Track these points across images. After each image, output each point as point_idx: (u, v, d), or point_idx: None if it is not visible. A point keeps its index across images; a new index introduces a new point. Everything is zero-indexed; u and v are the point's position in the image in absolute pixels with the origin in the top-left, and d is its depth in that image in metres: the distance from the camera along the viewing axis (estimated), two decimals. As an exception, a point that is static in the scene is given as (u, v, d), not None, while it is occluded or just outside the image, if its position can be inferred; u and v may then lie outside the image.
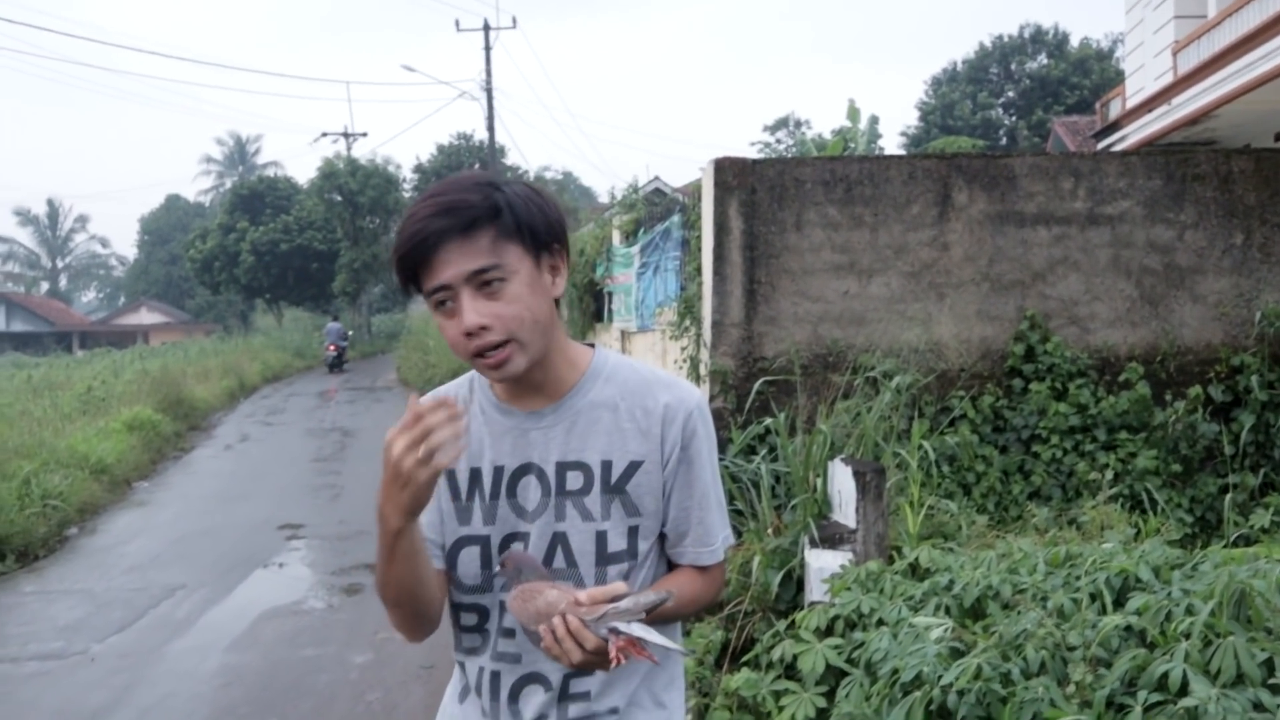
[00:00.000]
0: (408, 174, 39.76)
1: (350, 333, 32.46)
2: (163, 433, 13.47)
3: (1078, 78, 34.00)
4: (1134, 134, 11.38)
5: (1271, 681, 2.56)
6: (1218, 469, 6.48)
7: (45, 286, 65.92)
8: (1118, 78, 28.30)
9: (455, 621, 1.67)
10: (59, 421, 12.47)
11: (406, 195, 39.16)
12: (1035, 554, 3.98)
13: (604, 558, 1.57)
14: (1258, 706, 2.47)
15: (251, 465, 12.08)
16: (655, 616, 1.45)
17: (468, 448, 1.57)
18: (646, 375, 1.63)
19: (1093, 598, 3.34)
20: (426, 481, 1.34)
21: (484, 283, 1.45)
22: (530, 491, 1.57)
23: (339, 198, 36.03)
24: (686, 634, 4.54)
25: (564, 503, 1.56)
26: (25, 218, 65.69)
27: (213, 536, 8.22)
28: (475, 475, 1.60)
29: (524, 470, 1.58)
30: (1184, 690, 2.56)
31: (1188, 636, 2.77)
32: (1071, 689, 2.76)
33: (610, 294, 12.69)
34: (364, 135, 43.42)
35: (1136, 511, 5.73)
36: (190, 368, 20.93)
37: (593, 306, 14.08)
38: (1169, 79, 10.84)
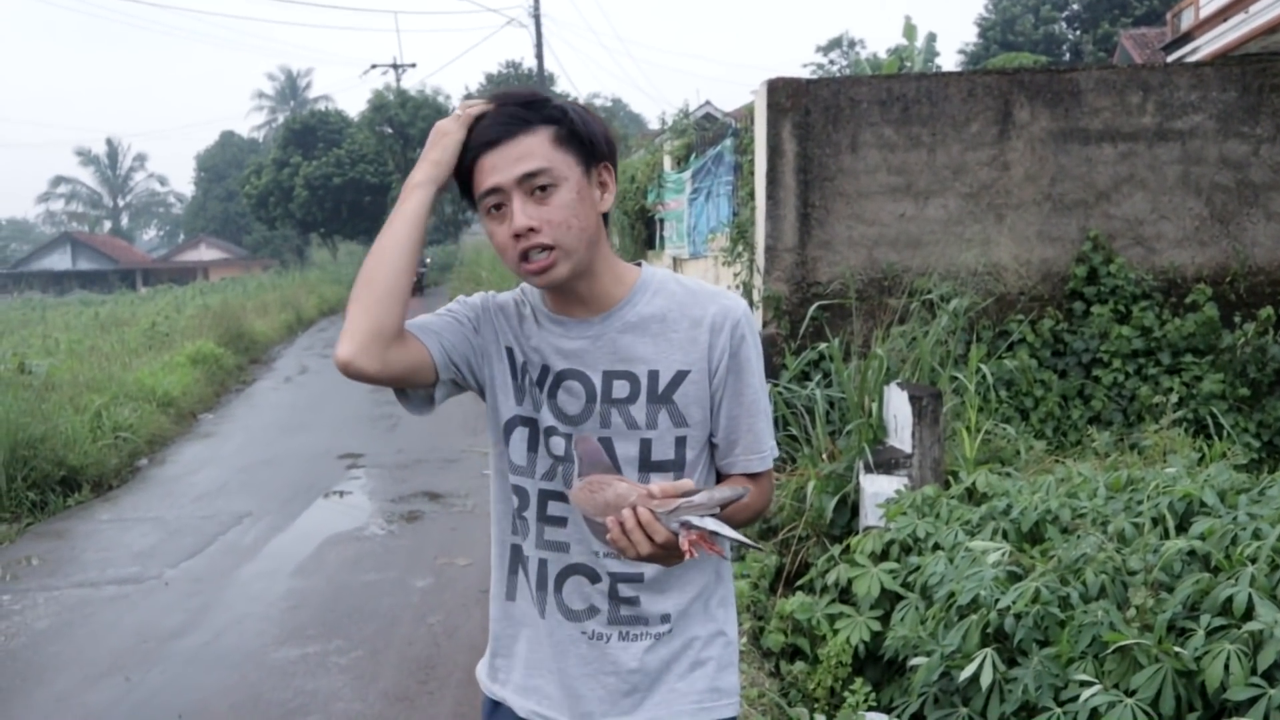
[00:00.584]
0: (457, 104, 39.53)
1: (429, 259, 32.96)
2: (225, 366, 13.75)
3: (1147, -13, 32.52)
4: (1207, 45, 10.89)
5: (1341, 605, 2.51)
6: (1288, 392, 6.31)
7: (108, 225, 67.23)
8: (1189, -14, 27.04)
9: (509, 503, 1.68)
10: (126, 356, 12.78)
11: (457, 126, 39.01)
12: (1095, 478, 3.92)
13: (648, 464, 1.58)
14: (1326, 630, 2.42)
15: (311, 396, 12.31)
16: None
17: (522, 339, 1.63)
18: (693, 287, 1.64)
19: (1155, 522, 3.29)
20: (456, 139, 1.50)
21: (535, 187, 1.49)
22: (572, 397, 1.59)
23: (389, 130, 36.10)
24: (740, 559, 4.56)
25: (609, 410, 1.57)
26: (86, 158, 66.83)
27: (275, 466, 8.42)
28: (527, 365, 1.63)
29: (568, 375, 1.60)
30: (1249, 615, 2.52)
31: (1254, 561, 2.71)
32: (1132, 613, 2.73)
33: (662, 220, 12.59)
34: (413, 66, 43.39)
35: (1201, 436, 5.61)
36: (249, 302, 21.30)
37: (644, 233, 14.00)
38: (1245, -16, 10.33)
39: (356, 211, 41.87)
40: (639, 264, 1.67)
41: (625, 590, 1.61)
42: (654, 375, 1.58)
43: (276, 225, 44.76)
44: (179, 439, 9.86)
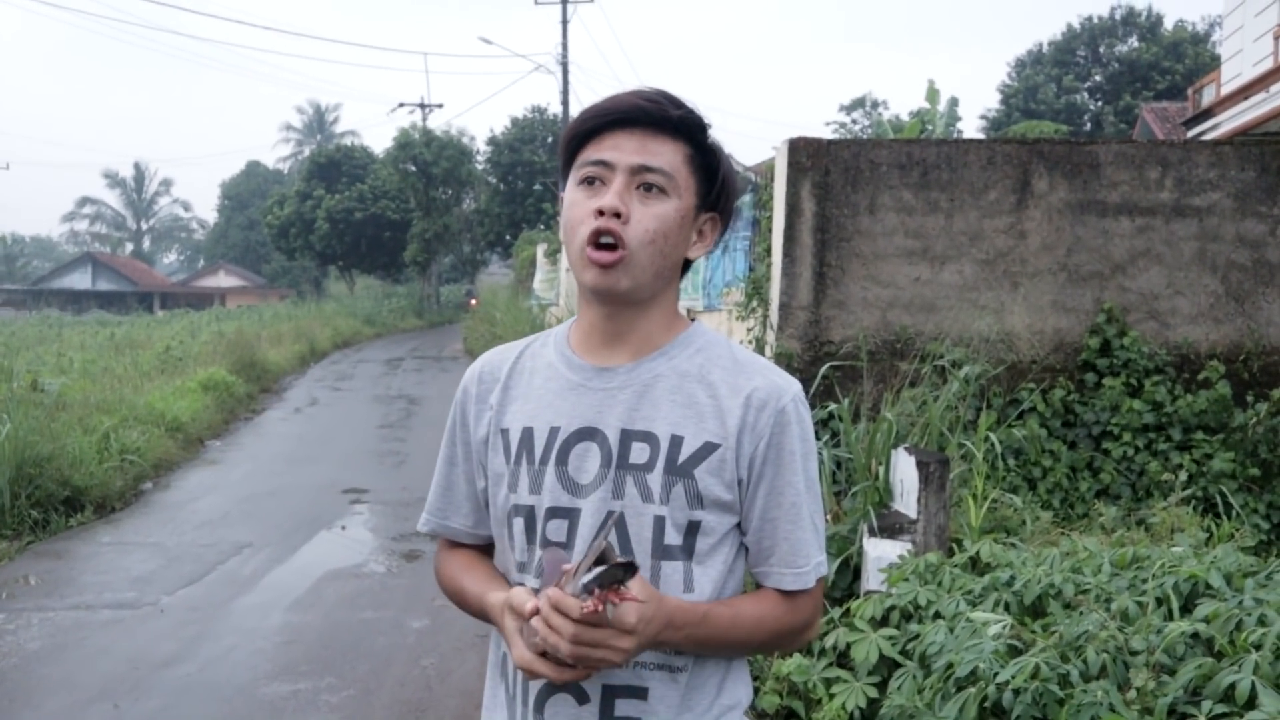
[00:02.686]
0: (481, 146, 40.02)
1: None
2: (236, 394, 13.81)
3: (1170, 62, 32.84)
4: (1227, 122, 10.97)
5: (1346, 699, 2.47)
6: (1299, 474, 6.25)
7: (130, 247, 67.94)
8: (1213, 63, 27.28)
9: None
10: (138, 379, 12.86)
11: (479, 167, 39.45)
12: (1101, 554, 3.88)
13: (660, 549, 1.36)
14: (1330, 723, 2.38)
15: (319, 429, 12.34)
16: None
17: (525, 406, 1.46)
18: (742, 356, 1.44)
19: (1159, 602, 3.25)
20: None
21: (645, 184, 1.36)
22: (587, 462, 1.38)
23: (413, 168, 36.46)
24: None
25: (624, 477, 1.36)
26: (113, 180, 67.72)
27: (280, 497, 8.41)
28: (527, 436, 1.42)
29: (582, 435, 1.39)
30: (1251, 703, 2.48)
31: (1258, 648, 2.68)
32: (1132, 694, 2.69)
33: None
34: (439, 106, 44.01)
35: (1209, 515, 5.56)
36: (264, 331, 21.42)
37: (660, 284, 14.05)
38: (1269, 64, 10.44)
39: (376, 246, 42.23)
40: (693, 319, 1.51)
41: (623, 709, 1.35)
42: (676, 441, 1.36)
43: (296, 256, 45.16)
44: (185, 465, 9.88)
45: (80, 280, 51.55)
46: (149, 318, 34.95)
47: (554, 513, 1.38)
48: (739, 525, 1.42)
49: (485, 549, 1.56)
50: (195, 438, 10.94)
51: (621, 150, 1.35)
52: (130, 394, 11.15)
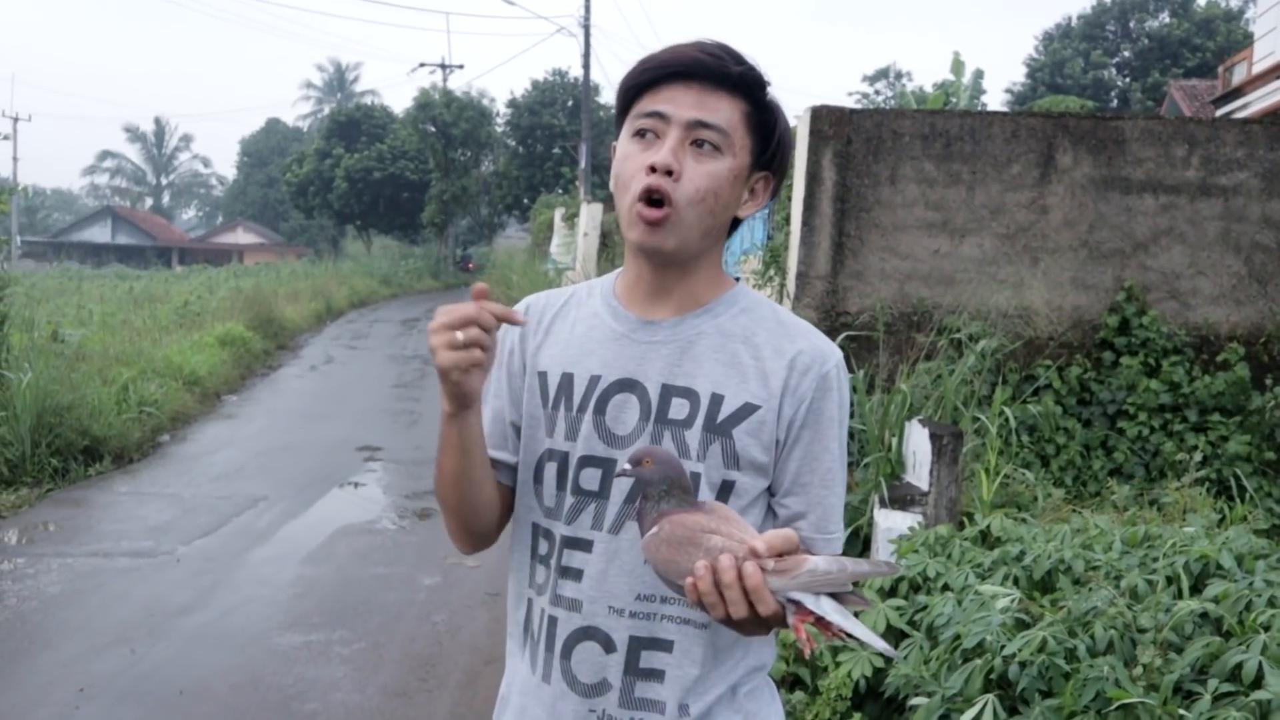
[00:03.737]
0: (501, 108, 39.87)
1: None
2: (252, 349, 13.88)
3: (1201, 39, 32.33)
4: (1258, 101, 10.82)
5: (1352, 681, 2.47)
6: (1315, 459, 6.23)
7: (149, 202, 68.15)
8: (1245, 41, 26.83)
9: (531, 549, 1.46)
10: (157, 332, 12.94)
11: (499, 130, 39.30)
12: (1112, 531, 3.89)
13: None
14: (1335, 705, 2.39)
15: (334, 386, 12.40)
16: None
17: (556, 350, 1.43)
18: (787, 319, 1.42)
19: (1169, 581, 3.26)
20: (458, 380, 1.24)
21: (701, 140, 1.32)
22: (626, 413, 1.36)
23: (432, 129, 36.35)
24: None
25: (662, 432, 1.34)
26: (134, 134, 67.86)
27: (294, 453, 8.48)
28: (566, 381, 1.40)
29: (623, 386, 1.37)
30: (1258, 683, 2.49)
31: (1267, 629, 2.68)
32: (1139, 671, 2.70)
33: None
34: (460, 67, 43.58)
35: (1223, 498, 5.55)
36: (281, 288, 21.49)
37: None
38: (1301, 45, 10.27)
39: (394, 207, 42.22)
40: (736, 279, 1.48)
41: (649, 660, 1.35)
42: (717, 400, 1.35)
43: (314, 214, 45.19)
44: (201, 418, 9.96)
45: (100, 234, 51.79)
46: (167, 272, 35.10)
47: (588, 461, 1.37)
48: (769, 488, 1.39)
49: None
50: (212, 392, 11.03)
51: (678, 104, 1.32)
52: (149, 347, 11.23)
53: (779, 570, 1.11)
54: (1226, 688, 2.53)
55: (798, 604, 1.11)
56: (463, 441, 1.35)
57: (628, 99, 1.38)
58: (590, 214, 19.15)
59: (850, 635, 1.09)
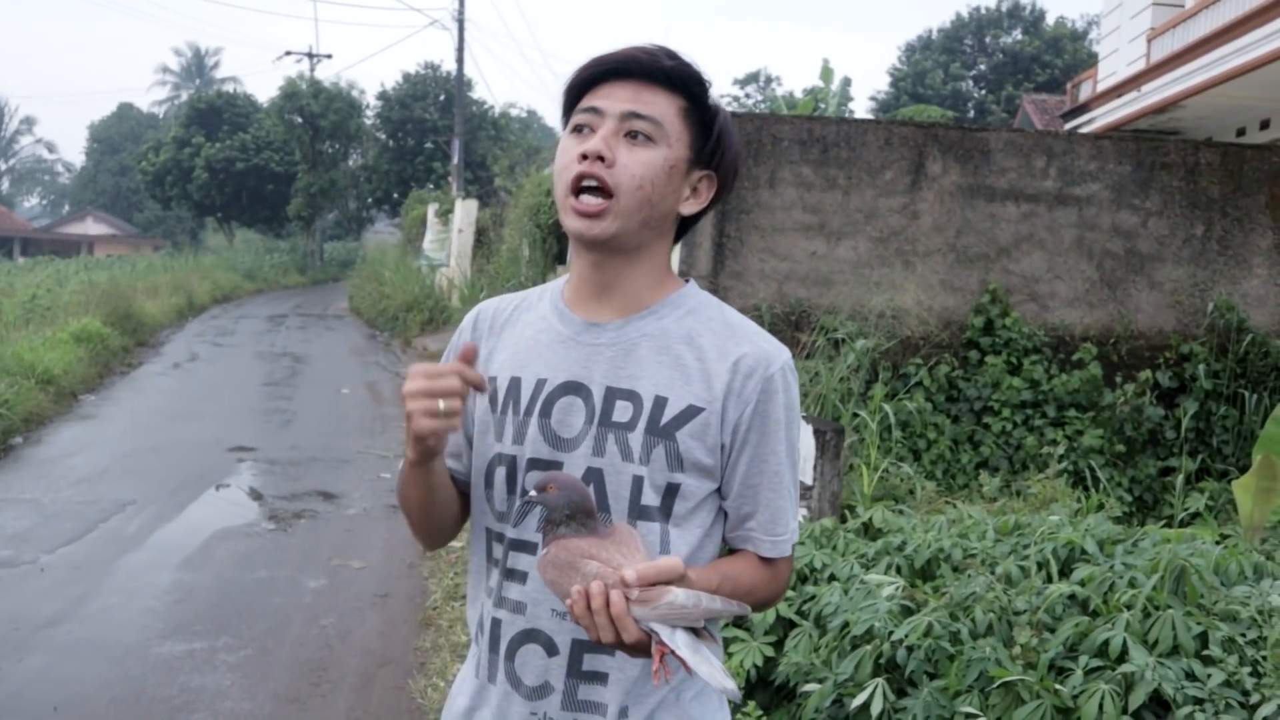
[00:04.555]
0: (371, 100, 38.97)
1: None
2: (110, 347, 13.24)
3: (1050, 56, 34.21)
4: (1102, 117, 11.53)
5: (1204, 653, 2.71)
6: (1158, 452, 6.71)
7: (-14, 188, 63.93)
8: (1090, 60, 28.52)
9: (486, 554, 1.46)
10: (3, 328, 12.20)
11: (369, 123, 38.41)
12: (985, 521, 4.12)
13: (637, 509, 1.35)
14: (1190, 676, 2.62)
15: (201, 385, 11.94)
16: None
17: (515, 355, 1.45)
18: (734, 321, 1.43)
19: (1040, 566, 3.47)
20: (434, 442, 1.30)
21: (633, 131, 1.35)
22: (572, 416, 1.37)
23: (299, 120, 35.28)
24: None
25: (606, 435, 1.35)
26: (-32, 115, 63.47)
27: (162, 454, 8.15)
28: (514, 385, 1.42)
29: (568, 389, 1.39)
30: (1123, 658, 2.70)
31: (1129, 608, 2.90)
32: (1017, 650, 2.88)
33: (575, 238, 12.63)
34: (329, 57, 42.57)
35: (1079, 488, 5.92)
36: (139, 282, 20.51)
37: (556, 248, 14.02)
38: (1141, 65, 10.99)
39: (258, 199, 40.81)
40: (688, 280, 1.48)
41: (591, 663, 1.36)
42: (660, 403, 1.35)
43: (172, 205, 43.34)
44: (58, 419, 9.45)
45: (-70, 221, 48.31)
46: (9, 264, 32.98)
47: (535, 464, 1.37)
48: (718, 490, 1.41)
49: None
50: (68, 391, 10.47)
51: (613, 98, 1.36)
52: (-5, 344, 10.58)
53: (641, 600, 1.15)
54: (1095, 663, 2.73)
55: (657, 635, 1.15)
56: (430, 480, 1.39)
57: (570, 101, 1.41)
58: (465, 210, 18.94)
59: (697, 672, 1.13)
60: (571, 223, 1.37)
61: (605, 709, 1.36)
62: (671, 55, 1.38)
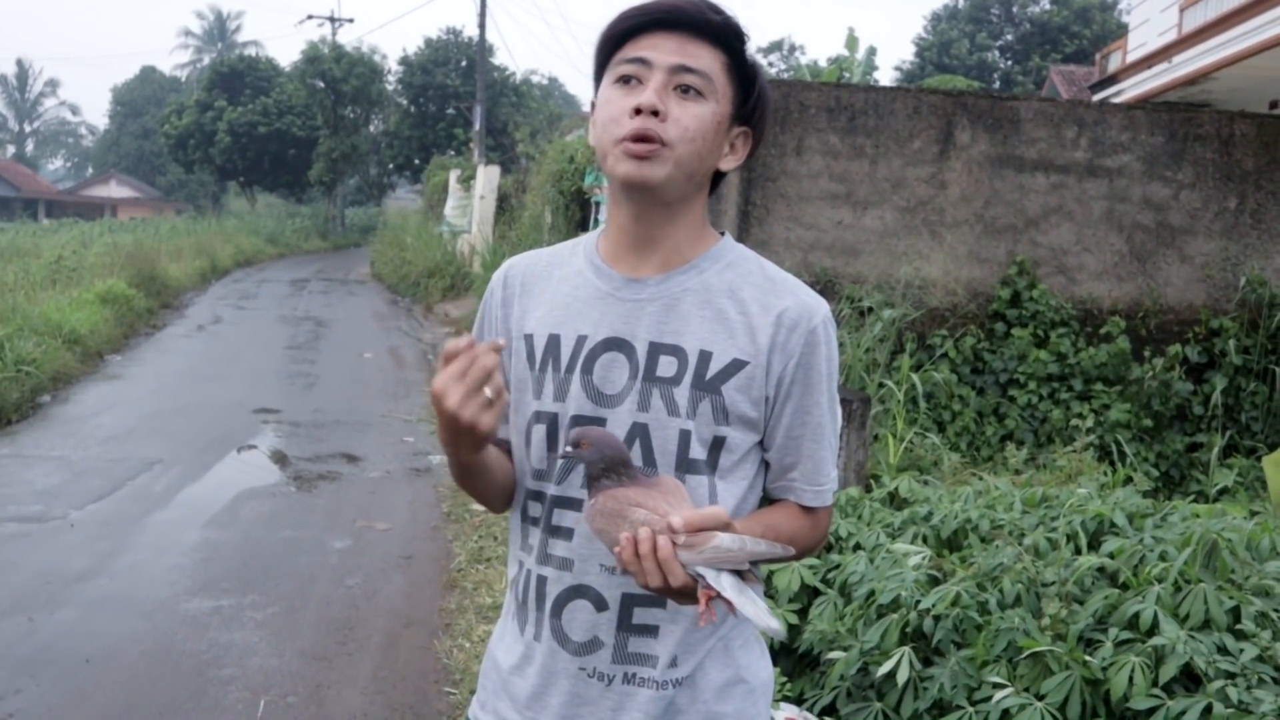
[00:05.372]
0: (393, 65, 38.85)
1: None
2: (135, 308, 13.32)
3: (1079, 26, 33.65)
4: (1131, 89, 11.36)
5: (1237, 627, 2.69)
6: (1186, 427, 6.65)
7: (11, 150, 64.24)
8: (1119, 30, 28.06)
9: (522, 512, 1.45)
10: (30, 288, 12.28)
11: (390, 88, 38.30)
12: (1012, 493, 4.10)
13: (684, 463, 1.35)
14: (1222, 650, 2.60)
15: (225, 347, 12.01)
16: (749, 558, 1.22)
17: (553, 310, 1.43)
18: (773, 274, 1.43)
19: (1068, 538, 3.46)
20: (491, 424, 1.25)
21: (684, 85, 1.33)
22: (614, 373, 1.37)
23: (321, 84, 35.23)
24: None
25: (651, 390, 1.35)
26: (-8, 76, 63.65)
27: (187, 415, 8.21)
28: (553, 343, 1.40)
29: (610, 345, 1.38)
30: (1153, 630, 2.69)
31: (1160, 581, 2.89)
32: (1045, 622, 2.88)
33: (598, 204, 12.59)
34: (350, 21, 42.45)
35: (1105, 462, 5.89)
36: (163, 245, 20.59)
37: (579, 215, 13.98)
38: (1173, 35, 10.81)
39: (279, 163, 40.84)
40: (722, 233, 1.47)
41: (641, 616, 1.37)
42: (705, 357, 1.35)
43: (194, 169, 43.39)
44: (84, 378, 9.54)
45: (-45, 182, 48.59)
46: (34, 225, 33.17)
47: (579, 421, 1.37)
48: (760, 442, 1.42)
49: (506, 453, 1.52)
50: (94, 351, 10.55)
51: (660, 50, 1.33)
52: (24, 303, 10.65)
53: (688, 545, 1.17)
54: (1125, 635, 2.72)
55: (703, 578, 1.17)
56: (486, 461, 1.37)
57: (608, 49, 1.38)
58: (488, 176, 18.89)
59: (742, 612, 1.15)
60: (622, 167, 1.33)
61: (655, 660, 1.37)
62: (715, 9, 1.35)
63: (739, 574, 1.18)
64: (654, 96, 1.31)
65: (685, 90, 1.33)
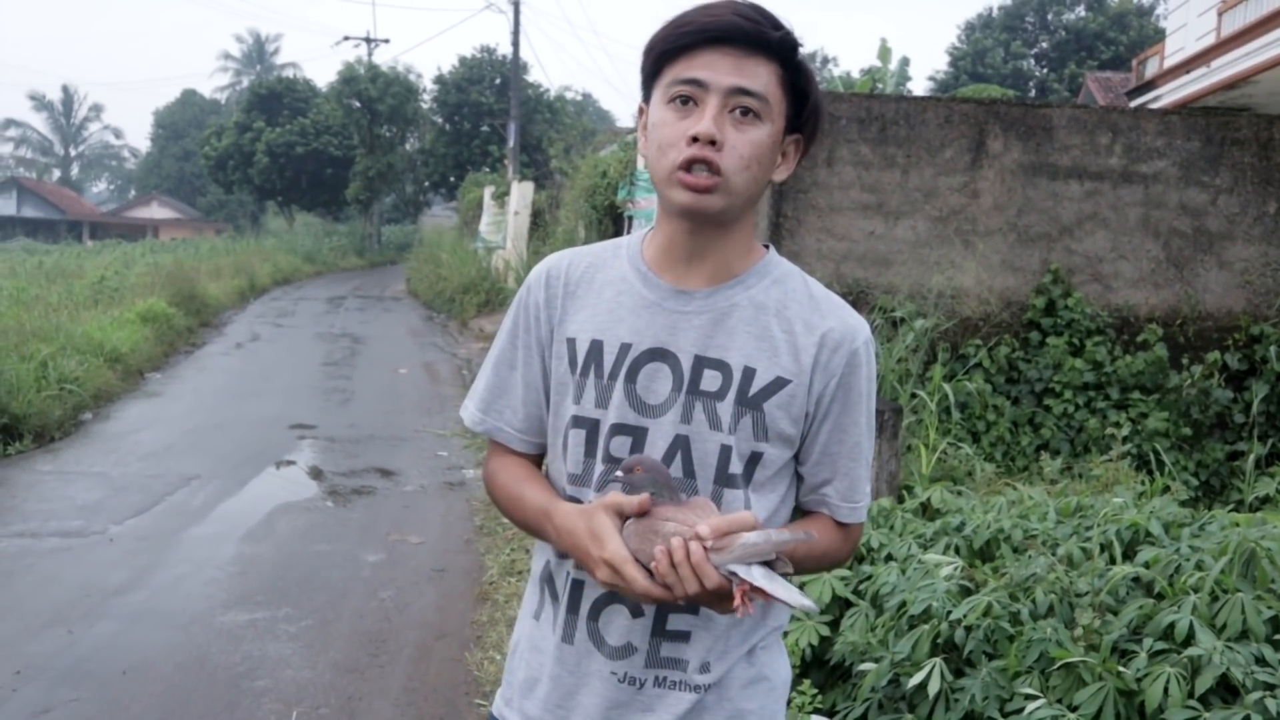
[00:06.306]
0: (428, 84, 39.26)
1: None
2: (175, 326, 13.54)
3: (1115, 33, 33.31)
4: (1169, 95, 11.22)
5: (1275, 638, 2.64)
6: (1226, 436, 6.54)
7: (57, 174, 65.61)
8: (1156, 35, 27.73)
9: None
10: (74, 308, 12.53)
11: (425, 107, 38.71)
12: (1046, 503, 4.05)
13: (723, 477, 1.36)
14: (1260, 661, 2.55)
15: (262, 364, 12.17)
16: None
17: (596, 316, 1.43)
18: (817, 293, 1.44)
19: (1102, 548, 3.41)
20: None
21: (741, 108, 1.31)
22: (657, 383, 1.37)
23: (357, 104, 35.67)
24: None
25: (694, 403, 1.36)
26: (40, 102, 65.10)
27: (225, 431, 8.32)
28: (595, 348, 1.40)
29: (654, 355, 1.37)
30: (1189, 641, 2.64)
31: (1196, 591, 2.84)
32: (1078, 632, 2.83)
33: (631, 219, 12.63)
34: (386, 42, 42.87)
35: (1143, 471, 5.80)
36: (202, 264, 20.95)
37: (612, 230, 14.03)
38: (1211, 40, 10.67)
39: (317, 182, 41.37)
40: (767, 246, 1.47)
41: (676, 623, 1.38)
42: (749, 373, 1.36)
43: (234, 189, 44.10)
44: (125, 396, 9.70)
45: (4, 206, 49.64)
46: (78, 247, 33.88)
47: (619, 429, 1.37)
48: (795, 456, 1.44)
49: (535, 458, 1.53)
50: (135, 369, 10.73)
51: (716, 70, 1.30)
52: (67, 323, 10.87)
53: (717, 548, 1.22)
54: (1160, 646, 2.67)
55: (736, 574, 1.22)
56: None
57: (658, 63, 1.36)
58: (521, 192, 19.02)
59: (775, 596, 1.21)
60: (679, 196, 1.33)
61: (686, 665, 1.39)
62: (774, 23, 1.33)
63: (768, 564, 1.24)
64: (711, 125, 1.29)
65: (744, 113, 1.31)
